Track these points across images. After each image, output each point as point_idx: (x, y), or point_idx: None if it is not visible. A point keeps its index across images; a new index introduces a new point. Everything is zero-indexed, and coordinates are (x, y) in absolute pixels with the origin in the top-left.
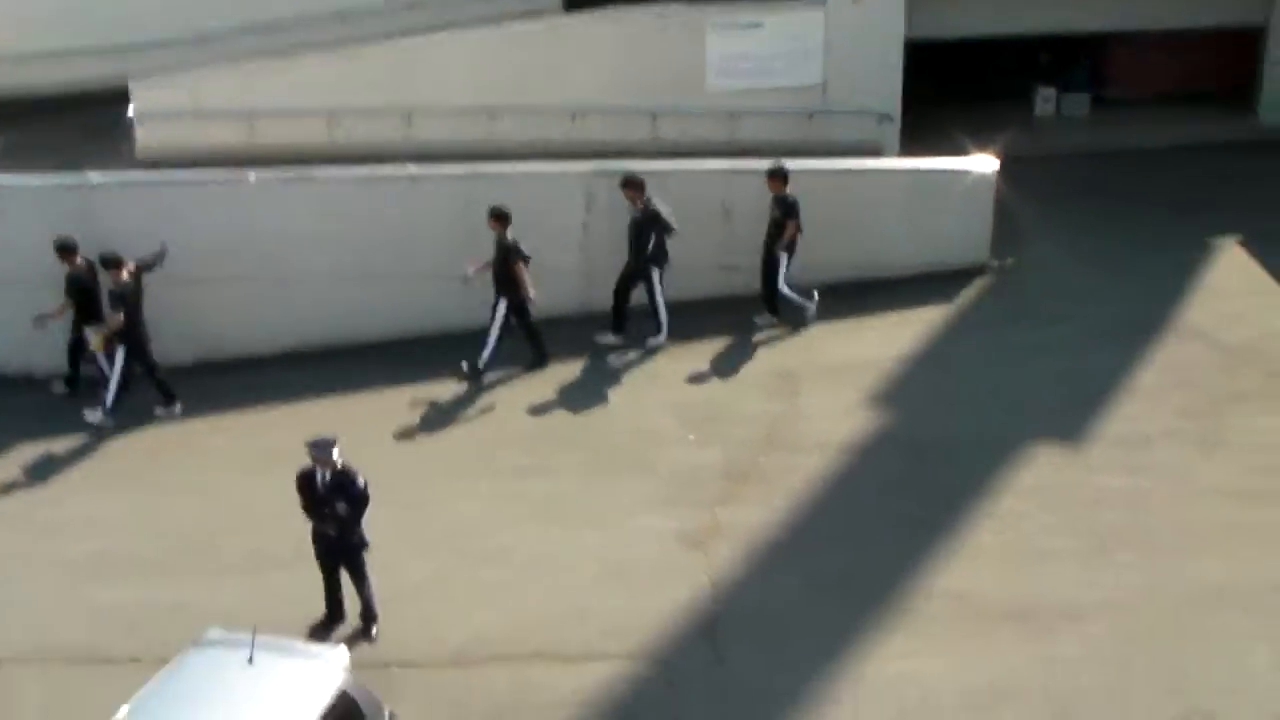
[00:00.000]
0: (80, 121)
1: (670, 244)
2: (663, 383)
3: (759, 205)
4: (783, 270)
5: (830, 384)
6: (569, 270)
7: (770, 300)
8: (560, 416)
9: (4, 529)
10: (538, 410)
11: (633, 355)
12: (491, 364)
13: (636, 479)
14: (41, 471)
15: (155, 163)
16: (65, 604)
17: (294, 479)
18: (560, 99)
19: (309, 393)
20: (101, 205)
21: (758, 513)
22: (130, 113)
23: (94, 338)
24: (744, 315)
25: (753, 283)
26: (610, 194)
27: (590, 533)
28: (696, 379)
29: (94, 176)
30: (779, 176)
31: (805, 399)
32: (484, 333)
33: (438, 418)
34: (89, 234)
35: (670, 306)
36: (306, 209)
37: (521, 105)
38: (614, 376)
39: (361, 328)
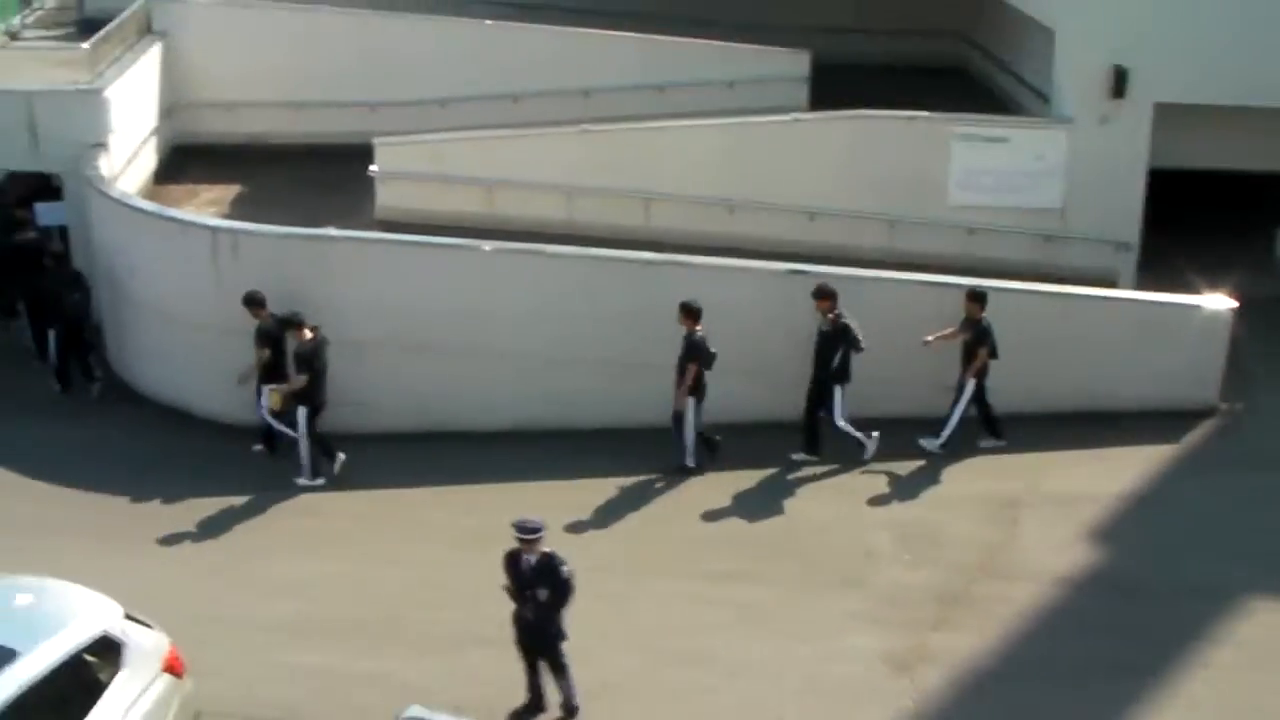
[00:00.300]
0: (322, 175)
1: (888, 358)
2: (879, 498)
3: (997, 325)
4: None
5: (1049, 514)
6: (795, 373)
7: (988, 422)
8: (771, 523)
9: (213, 582)
10: (748, 514)
11: (850, 467)
12: (695, 459)
13: (846, 594)
14: (253, 527)
15: (393, 223)
16: (266, 663)
17: (502, 559)
18: (798, 198)
19: (527, 473)
20: (336, 260)
21: (967, 640)
22: (372, 171)
23: (271, 396)
24: (974, 437)
25: (992, 404)
26: (845, 299)
27: (795, 645)
28: (913, 497)
29: (332, 231)
30: (978, 299)
31: (1022, 527)
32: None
33: (648, 511)
34: (321, 288)
35: (886, 422)
36: (538, 285)
37: (759, 201)
38: (830, 487)
39: (583, 412)
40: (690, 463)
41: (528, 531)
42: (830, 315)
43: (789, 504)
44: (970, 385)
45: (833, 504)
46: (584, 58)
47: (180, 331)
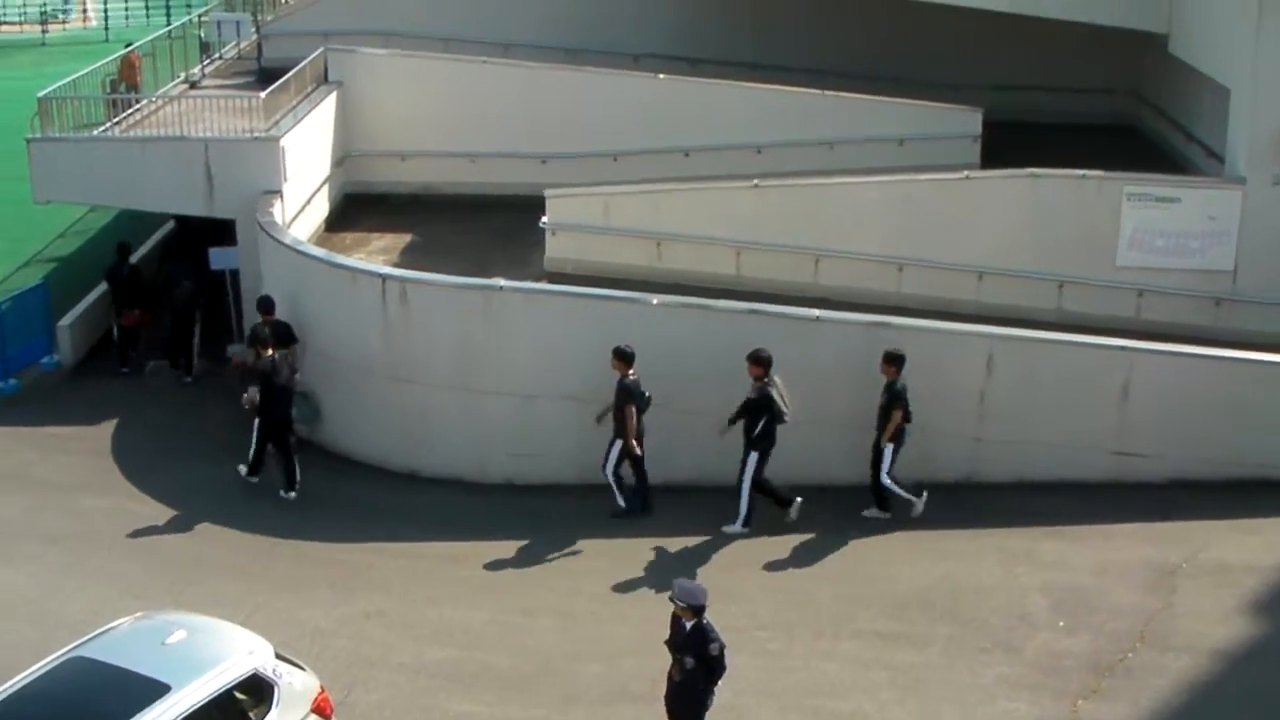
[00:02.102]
0: (492, 226)
1: (1054, 423)
2: (1039, 564)
3: (1161, 391)
4: (886, 462)
5: (1210, 585)
6: (961, 435)
7: (877, 493)
8: (930, 584)
9: (369, 626)
10: (899, 574)
11: (1001, 529)
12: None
13: (999, 659)
14: (413, 573)
15: (561, 274)
16: (418, 708)
17: (664, 620)
18: (967, 257)
19: (691, 528)
20: (503, 309)
21: (1120, 710)
22: (542, 223)
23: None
24: (1135, 503)
25: (1154, 469)
26: (1011, 360)
27: (948, 709)
28: (1074, 564)
29: (500, 281)
30: (892, 362)
31: (1182, 597)
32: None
33: (810, 569)
34: (489, 338)
35: (1057, 485)
36: (704, 339)
37: (928, 259)
38: (985, 549)
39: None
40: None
41: (684, 596)
42: (758, 382)
43: (942, 565)
44: (889, 450)
45: (986, 566)
46: (755, 112)
47: (346, 376)
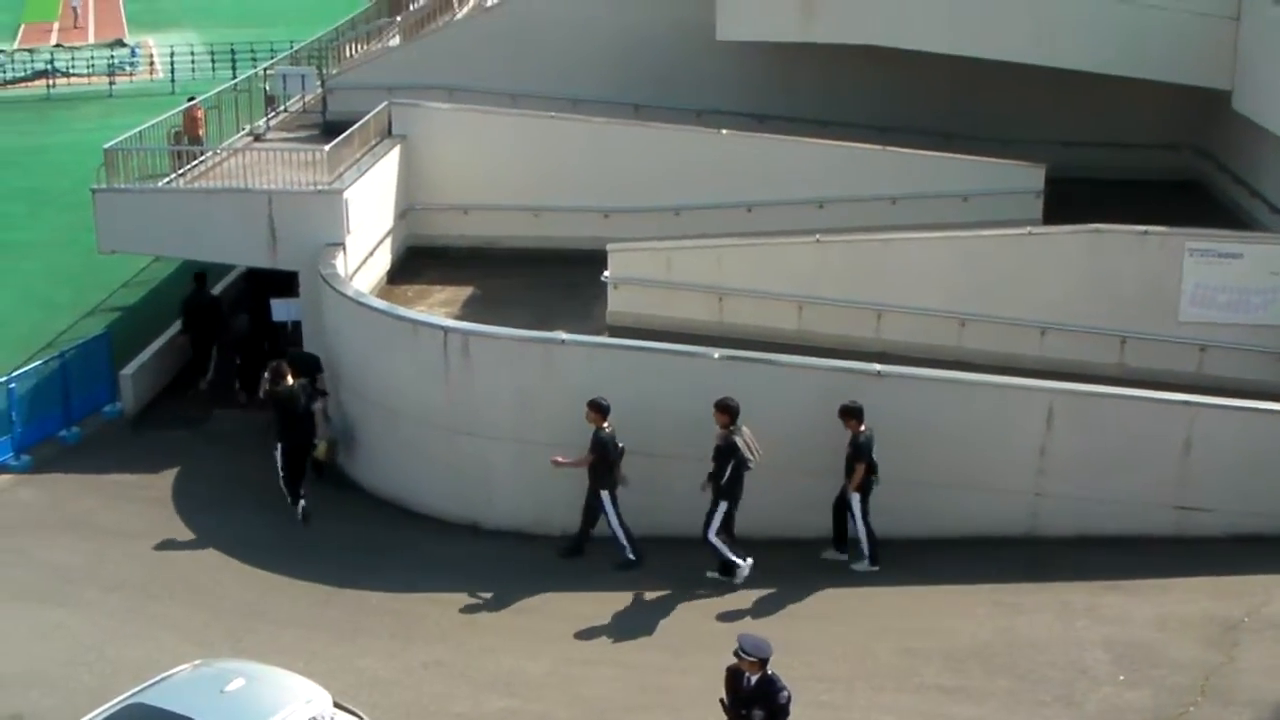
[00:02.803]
0: (554, 279)
1: (1115, 478)
2: (1101, 618)
3: (1223, 445)
4: (857, 509)
5: (1273, 640)
6: (1019, 489)
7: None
8: (989, 638)
9: (428, 676)
10: (966, 629)
11: (1073, 589)
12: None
13: (1060, 713)
14: (470, 623)
15: (623, 328)
16: None
17: (724, 673)
18: (1029, 312)
19: (749, 581)
20: (564, 363)
21: None
22: (605, 277)
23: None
24: (1196, 558)
25: (1215, 524)
26: (1071, 414)
27: None
28: (1134, 618)
29: (562, 335)
30: (852, 415)
31: (1244, 651)
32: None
33: (872, 623)
34: (551, 391)
35: (1118, 540)
36: (767, 394)
37: (990, 315)
38: (1050, 607)
39: (798, 520)
40: (630, 556)
41: (751, 650)
42: (722, 429)
43: (1001, 618)
44: (857, 499)
45: (1046, 620)
46: (817, 168)
47: (406, 428)
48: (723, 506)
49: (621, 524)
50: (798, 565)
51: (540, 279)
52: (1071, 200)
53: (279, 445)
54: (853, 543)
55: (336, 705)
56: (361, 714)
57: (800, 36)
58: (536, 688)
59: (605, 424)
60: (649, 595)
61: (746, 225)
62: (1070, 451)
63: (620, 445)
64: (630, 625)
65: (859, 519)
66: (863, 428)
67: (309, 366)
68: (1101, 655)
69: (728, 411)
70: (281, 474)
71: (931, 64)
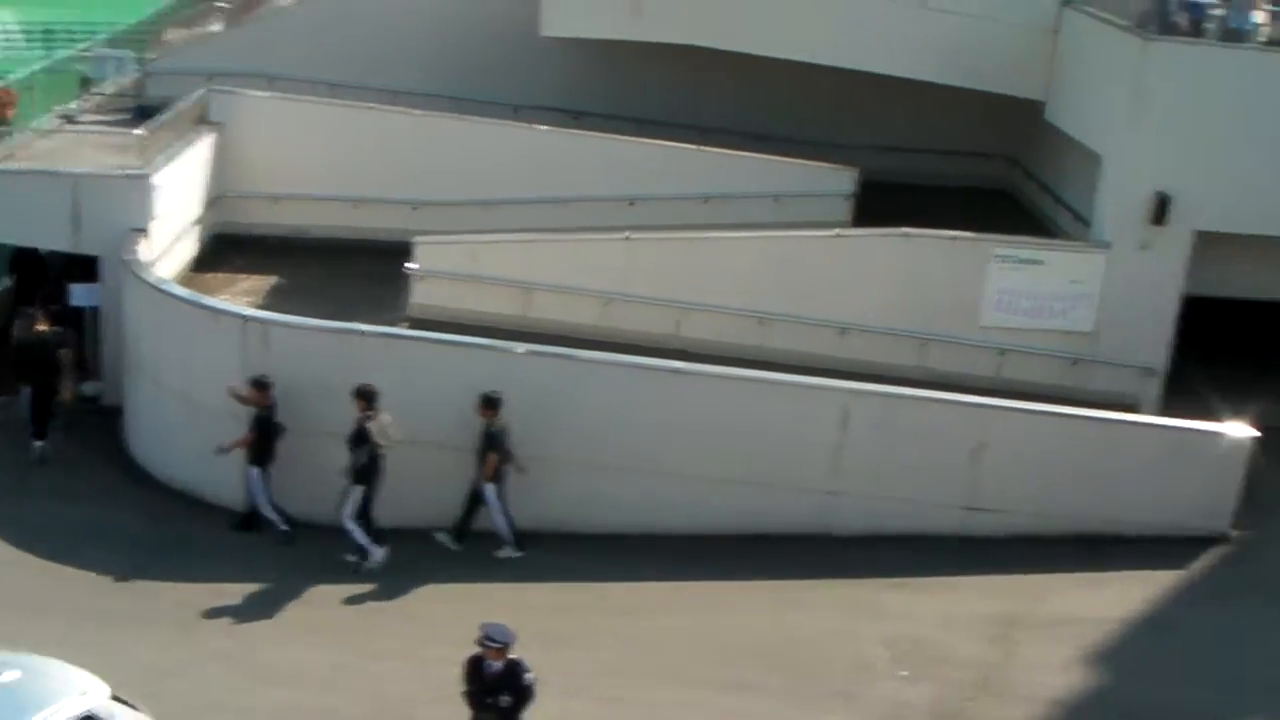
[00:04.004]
0: (361, 270)
1: (911, 477)
2: (884, 615)
3: (1014, 448)
4: (493, 502)
5: (1052, 637)
6: (814, 488)
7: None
8: (773, 633)
9: (213, 668)
10: (752, 624)
11: (858, 587)
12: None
13: (839, 709)
14: (258, 614)
15: (426, 321)
16: None
17: (464, 664)
18: (834, 313)
19: (534, 574)
20: (365, 355)
21: None
22: (408, 268)
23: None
24: (983, 557)
25: (1003, 524)
26: (868, 415)
27: None
28: (917, 615)
29: (362, 326)
30: (490, 405)
31: (1023, 649)
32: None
33: (656, 617)
34: (349, 382)
35: (908, 538)
36: (565, 389)
37: (794, 315)
38: (835, 603)
39: (601, 517)
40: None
41: (496, 642)
42: (362, 414)
43: (787, 614)
44: (491, 489)
45: (832, 616)
46: (631, 166)
47: (204, 418)
48: (356, 492)
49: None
50: (590, 560)
51: (348, 270)
52: (885, 205)
53: (26, 389)
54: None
55: (114, 698)
56: (139, 706)
57: (626, 34)
58: (323, 681)
59: (497, 418)
60: (442, 589)
61: (558, 221)
62: (865, 451)
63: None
64: (421, 619)
65: (495, 508)
66: (498, 418)
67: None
68: (883, 651)
69: (365, 397)
70: (29, 413)
71: (752, 66)
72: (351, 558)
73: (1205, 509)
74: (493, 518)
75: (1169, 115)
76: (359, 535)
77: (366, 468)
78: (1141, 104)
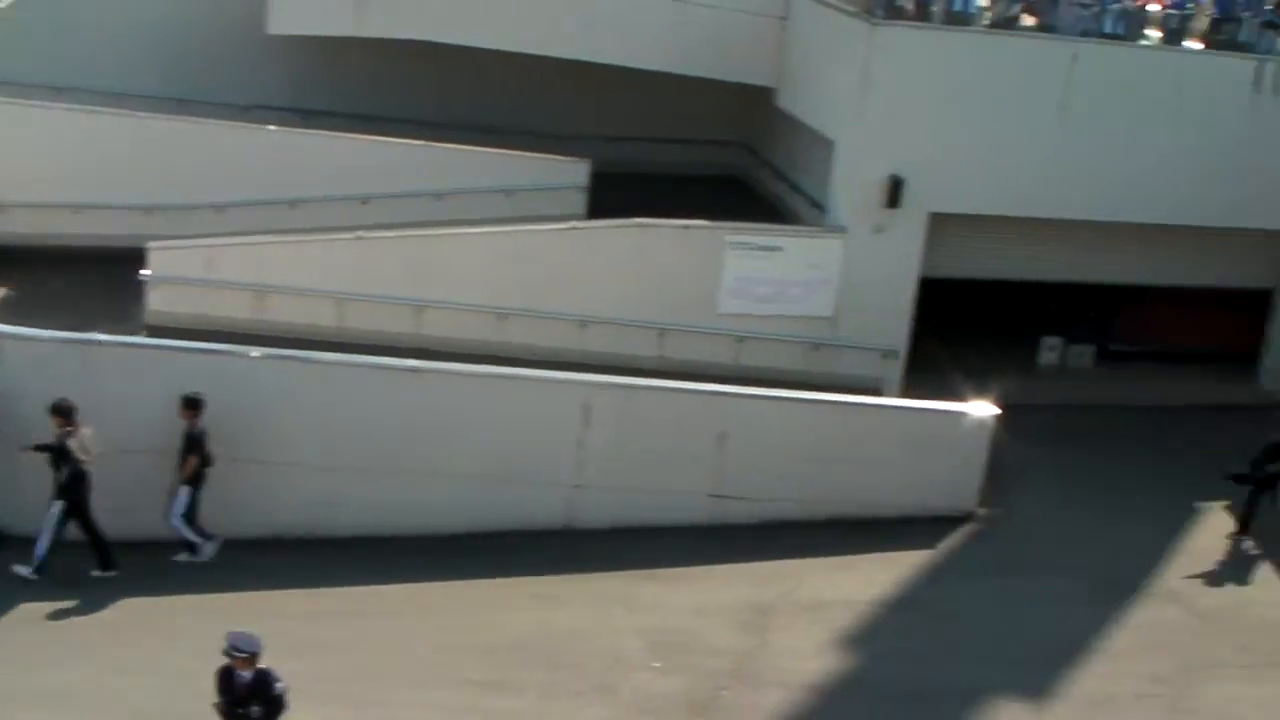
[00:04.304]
0: (95, 279)
1: (656, 467)
2: (636, 606)
3: (757, 435)
4: (180, 504)
5: (804, 621)
6: (558, 482)
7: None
8: (527, 630)
9: None
10: (505, 622)
11: (610, 580)
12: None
13: (597, 703)
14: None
15: (163, 328)
16: None
17: (215, 675)
18: (572, 306)
19: (280, 581)
20: (101, 365)
21: None
22: (143, 275)
23: None
24: (732, 545)
25: (751, 511)
26: (610, 407)
27: None
28: (670, 606)
29: (98, 336)
30: (190, 406)
31: (776, 635)
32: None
33: (410, 618)
34: (87, 393)
35: (657, 530)
36: (307, 392)
37: (533, 309)
38: (588, 598)
39: (347, 520)
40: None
41: (243, 651)
42: (62, 430)
43: (538, 611)
44: (185, 491)
45: (588, 611)
46: (363, 164)
47: None
48: (57, 507)
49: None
50: (338, 564)
51: (81, 278)
52: (621, 196)
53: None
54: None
55: None
56: None
57: (354, 31)
58: (73, 698)
59: (199, 420)
60: (185, 600)
61: (291, 222)
62: (608, 444)
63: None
64: (167, 631)
65: (178, 512)
66: (199, 419)
67: None
68: (637, 643)
69: (63, 413)
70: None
71: (483, 60)
72: (95, 571)
73: (951, 488)
74: (173, 521)
75: (898, 98)
76: (48, 542)
77: (69, 485)
78: (870, 88)
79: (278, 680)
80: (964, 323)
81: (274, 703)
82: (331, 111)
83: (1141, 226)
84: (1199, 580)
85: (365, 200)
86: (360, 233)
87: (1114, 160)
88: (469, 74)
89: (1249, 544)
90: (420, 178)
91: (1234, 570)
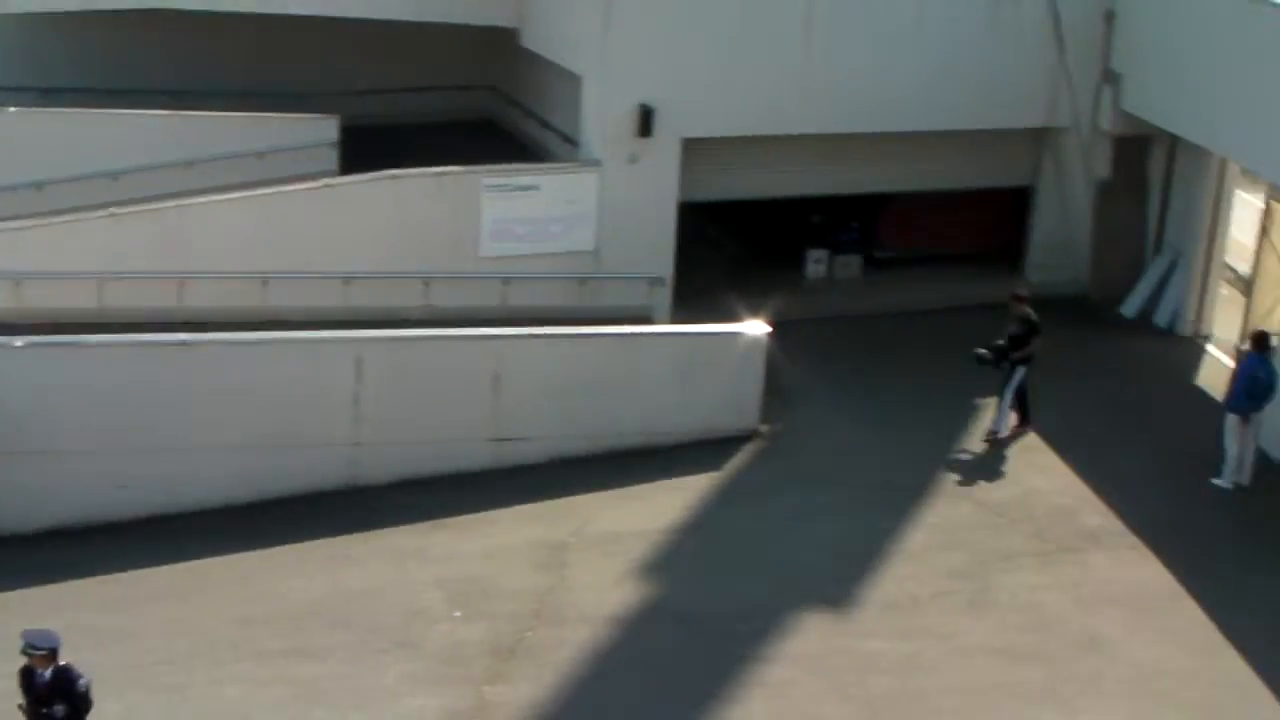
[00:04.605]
0: None
1: (431, 418)
2: (430, 558)
3: (531, 374)
4: None
5: (599, 555)
6: (338, 442)
7: None
8: (324, 594)
9: None
10: (301, 588)
11: (400, 534)
12: None
13: (402, 658)
14: None
15: None
16: None
17: (17, 675)
18: (334, 264)
19: (69, 572)
20: None
21: (526, 690)
22: None
23: None
24: (518, 486)
25: (533, 451)
26: (380, 362)
27: (356, 715)
28: (464, 553)
29: None
30: None
31: (573, 571)
32: None
33: (203, 595)
34: None
35: (442, 479)
36: (76, 377)
37: (295, 270)
38: (380, 554)
39: (130, 502)
40: None
41: (39, 648)
42: None
43: (334, 573)
44: None
45: (382, 568)
46: (109, 140)
47: None
48: None
49: None
50: (126, 547)
51: None
52: (373, 149)
53: None
54: None
55: None
56: None
57: (88, 4)
58: None
59: None
60: None
61: (40, 205)
62: (384, 398)
63: None
64: None
65: None
66: None
67: None
68: (436, 595)
69: None
70: None
71: (226, 24)
72: None
73: (732, 409)
74: None
75: (640, 27)
76: None
77: None
78: (611, 19)
79: (80, 677)
80: (735, 244)
81: (77, 700)
82: (74, 88)
83: (895, 135)
84: (986, 476)
85: (115, 176)
86: (113, 210)
87: (859, 72)
88: (213, 40)
89: (1028, 435)
90: (169, 148)
91: (1019, 463)
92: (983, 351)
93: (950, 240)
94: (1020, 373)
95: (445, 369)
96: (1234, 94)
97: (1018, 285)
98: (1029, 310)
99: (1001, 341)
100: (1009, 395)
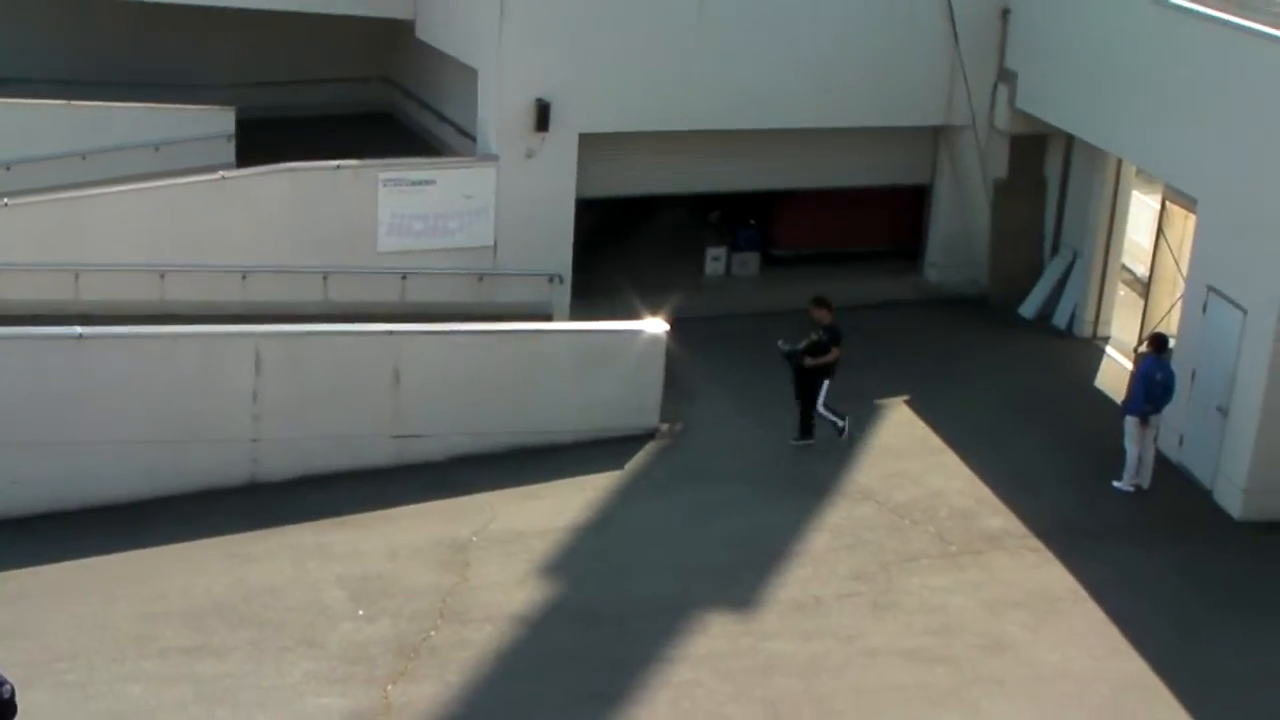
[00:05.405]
0: None
1: (331, 415)
2: (332, 556)
3: (431, 371)
4: None
5: (501, 554)
6: (237, 438)
7: None
8: (226, 591)
9: None
10: (202, 585)
11: (301, 531)
12: None
13: (306, 657)
14: None
15: None
16: None
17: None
18: (231, 258)
19: None
20: None
21: (430, 689)
22: None
23: None
24: (420, 484)
25: (434, 448)
26: (279, 356)
27: (259, 714)
28: (366, 551)
29: None
30: None
31: (476, 570)
32: None
33: (103, 592)
34: None
35: (342, 476)
36: None
37: (192, 264)
38: (282, 552)
39: (25, 498)
40: None
41: None
42: None
43: (235, 570)
44: None
45: (284, 565)
46: (0, 128)
47: None
48: None
49: None
50: (19, 544)
51: None
52: (269, 141)
53: None
54: None
55: None
56: None
57: None
58: None
59: None
60: None
61: None
62: (283, 393)
63: None
64: None
65: None
66: None
67: None
68: (338, 593)
69: None
70: None
71: (123, 13)
72: None
73: (632, 407)
74: None
75: (537, 21)
76: None
77: None
78: (508, 12)
79: (4, 684)
80: (635, 241)
81: (4, 708)
82: None
83: (792, 132)
84: (888, 476)
85: (8, 166)
86: (5, 200)
87: (754, 68)
88: (109, 29)
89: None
90: (63, 138)
91: (921, 464)
92: (785, 346)
93: (849, 239)
94: (825, 384)
95: (345, 364)
96: (1129, 93)
97: (820, 292)
98: (830, 318)
99: (802, 345)
100: (823, 410)
